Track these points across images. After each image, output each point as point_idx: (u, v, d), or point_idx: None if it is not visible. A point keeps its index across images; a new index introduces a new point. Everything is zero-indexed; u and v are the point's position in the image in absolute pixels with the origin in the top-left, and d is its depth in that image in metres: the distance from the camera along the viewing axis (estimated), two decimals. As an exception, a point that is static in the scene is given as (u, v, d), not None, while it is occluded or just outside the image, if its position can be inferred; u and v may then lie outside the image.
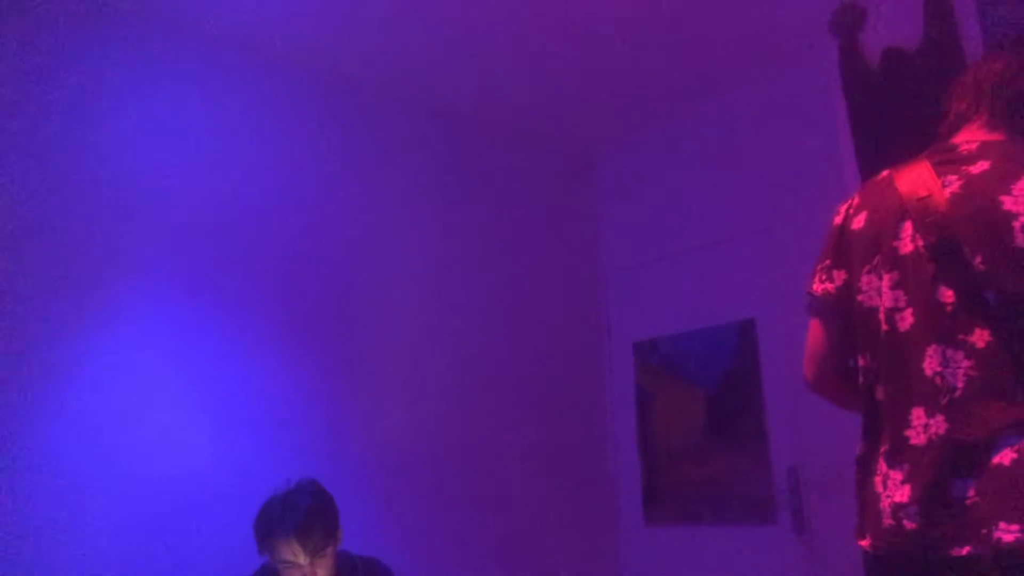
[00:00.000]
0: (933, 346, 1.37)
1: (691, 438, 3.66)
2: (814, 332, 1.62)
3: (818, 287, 1.59)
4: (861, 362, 1.50)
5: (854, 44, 2.76)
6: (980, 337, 1.33)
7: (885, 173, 1.57)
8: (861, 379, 1.51)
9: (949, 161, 1.47)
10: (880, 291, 1.46)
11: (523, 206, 3.93)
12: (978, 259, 1.35)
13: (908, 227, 1.45)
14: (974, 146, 1.47)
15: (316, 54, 3.25)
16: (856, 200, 1.59)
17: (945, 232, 1.39)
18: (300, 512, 2.01)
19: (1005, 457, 1.27)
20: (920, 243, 1.42)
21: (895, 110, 2.59)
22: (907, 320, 1.41)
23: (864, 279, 1.50)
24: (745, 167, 3.55)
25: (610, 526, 3.81)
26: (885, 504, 1.39)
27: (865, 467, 1.48)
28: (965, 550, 1.26)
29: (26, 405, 2.47)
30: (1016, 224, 1.32)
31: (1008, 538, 1.22)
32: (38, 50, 2.70)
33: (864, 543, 1.44)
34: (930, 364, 1.37)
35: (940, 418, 1.34)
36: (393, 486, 3.15)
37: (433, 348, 3.43)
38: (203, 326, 2.86)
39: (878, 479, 1.42)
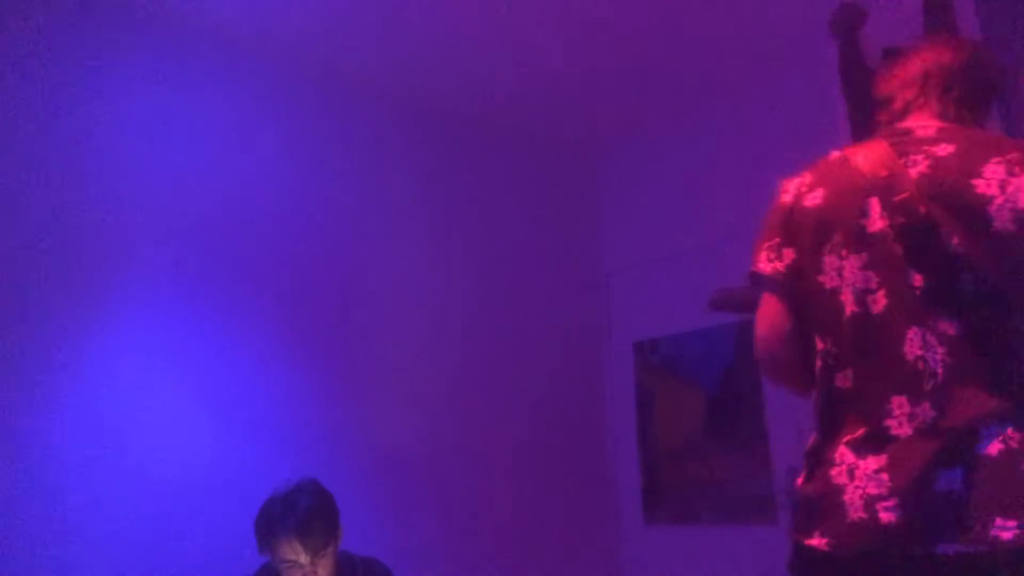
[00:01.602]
0: (913, 329, 1.30)
1: (691, 438, 3.66)
2: (770, 310, 1.49)
3: (766, 266, 1.48)
4: (820, 345, 1.40)
5: (854, 44, 2.77)
6: (952, 324, 1.27)
7: (836, 153, 1.51)
8: (819, 364, 1.40)
9: (907, 142, 1.41)
10: (842, 271, 1.37)
11: (523, 206, 3.93)
12: (955, 241, 1.29)
13: (875, 205, 1.37)
14: (931, 131, 1.42)
15: (316, 55, 3.25)
16: (808, 178, 1.50)
17: (915, 213, 1.32)
18: (301, 511, 2.01)
19: (992, 448, 1.20)
20: (887, 223, 1.35)
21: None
22: (880, 302, 1.33)
23: (826, 259, 1.40)
24: (745, 167, 3.55)
25: (610, 526, 3.81)
26: (852, 497, 1.27)
27: (817, 459, 1.36)
28: (953, 548, 1.17)
29: (26, 406, 2.47)
30: (992, 208, 1.28)
31: (1006, 536, 1.15)
32: (37, 51, 2.70)
33: (816, 542, 1.29)
34: (911, 348, 1.29)
35: (926, 405, 1.26)
36: (393, 486, 3.15)
37: (433, 348, 3.43)
38: (203, 326, 2.86)
39: (839, 470, 1.30)
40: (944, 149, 1.37)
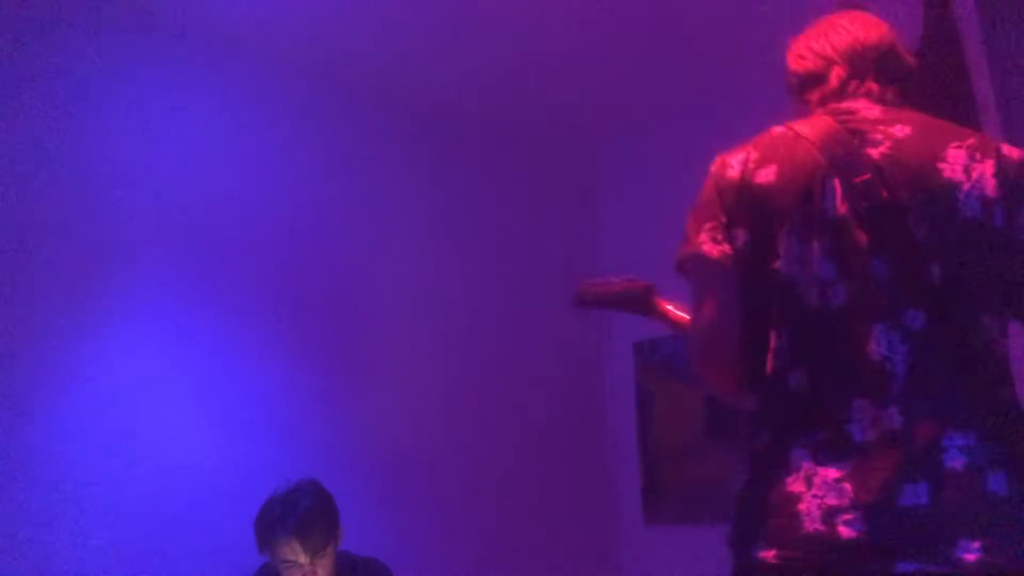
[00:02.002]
0: (878, 325, 1.17)
1: (691, 438, 3.66)
2: (717, 300, 1.29)
3: (711, 248, 1.28)
4: (774, 342, 1.24)
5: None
6: (916, 318, 1.17)
7: (781, 127, 1.35)
8: (772, 362, 1.24)
9: (856, 122, 1.29)
10: (802, 258, 1.22)
11: (522, 206, 3.93)
12: (923, 230, 1.19)
13: (837, 186, 1.23)
14: (877, 112, 1.31)
15: (315, 56, 3.25)
16: (753, 153, 1.33)
17: (879, 197, 1.21)
18: (300, 511, 2.02)
19: (957, 461, 1.11)
20: (848, 207, 1.22)
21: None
22: (841, 295, 1.20)
23: (783, 242, 1.23)
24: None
25: (610, 526, 3.81)
26: (810, 507, 1.14)
27: (768, 463, 1.21)
28: (913, 567, 1.07)
29: (25, 406, 2.48)
30: (961, 195, 1.20)
31: (970, 557, 1.06)
32: (35, 51, 2.70)
33: (763, 554, 1.15)
34: (876, 346, 1.17)
35: (893, 410, 1.14)
36: (392, 486, 3.15)
37: (432, 347, 3.43)
38: (203, 326, 2.86)
39: (794, 477, 1.16)
40: (901, 131, 1.27)
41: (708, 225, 1.31)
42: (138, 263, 2.77)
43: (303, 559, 2.00)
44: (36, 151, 2.64)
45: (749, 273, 1.27)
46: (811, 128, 1.31)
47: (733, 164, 1.34)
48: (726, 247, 1.29)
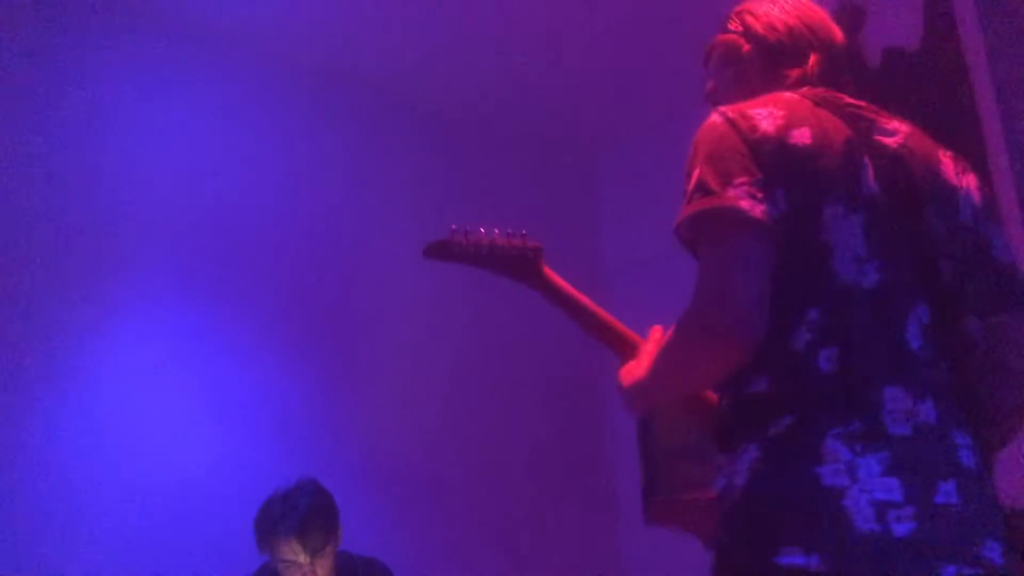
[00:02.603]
0: (910, 314, 1.12)
1: (691, 438, 3.65)
2: (737, 266, 1.10)
3: (750, 205, 1.09)
4: (810, 315, 1.11)
5: (854, 44, 2.76)
6: (927, 314, 1.14)
7: (789, 93, 1.25)
8: (801, 338, 1.11)
9: (856, 108, 1.25)
10: (844, 230, 1.13)
11: (523, 206, 3.92)
12: (936, 225, 1.18)
13: (869, 163, 1.17)
14: (866, 105, 1.27)
15: (315, 55, 3.25)
16: (777, 110, 1.18)
17: (901, 185, 1.18)
18: (300, 511, 2.02)
19: (969, 460, 1.08)
20: (879, 187, 1.16)
21: (895, 110, 2.59)
22: (872, 276, 1.12)
23: (827, 210, 1.13)
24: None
25: (610, 526, 3.81)
26: (858, 502, 1.01)
27: (791, 451, 1.07)
28: (952, 569, 1.01)
29: (26, 406, 2.48)
30: (959, 198, 1.21)
31: (996, 558, 1.04)
32: (36, 52, 2.70)
33: (800, 561, 0.99)
34: (910, 336, 1.11)
35: (929, 404, 1.08)
36: (393, 486, 3.14)
37: (432, 347, 3.43)
38: (203, 327, 2.86)
39: (832, 468, 1.03)
40: (903, 126, 1.25)
41: (740, 179, 1.11)
42: (138, 262, 2.77)
43: (303, 558, 2.00)
44: (36, 152, 2.64)
45: (782, 239, 1.12)
46: (823, 101, 1.23)
47: (761, 117, 1.17)
48: (766, 207, 1.10)
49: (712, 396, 1.39)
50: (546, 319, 3.78)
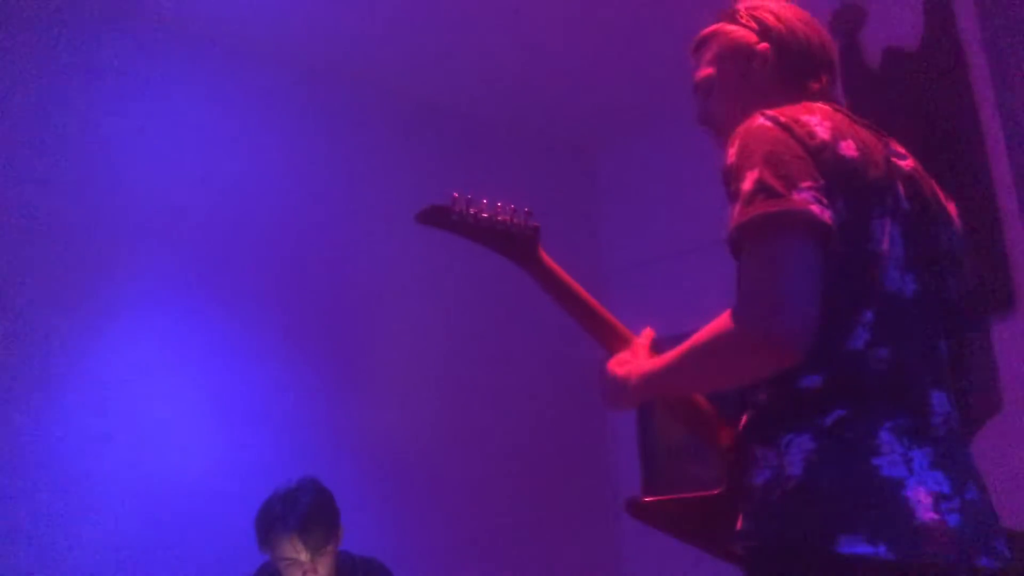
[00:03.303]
0: (941, 321, 1.21)
1: (691, 438, 3.66)
2: (802, 267, 1.08)
3: (820, 210, 1.09)
4: (865, 316, 1.14)
5: (854, 44, 2.77)
6: (942, 323, 1.24)
7: (823, 104, 1.26)
8: (858, 336, 1.14)
9: (876, 128, 1.29)
10: (890, 241, 1.16)
11: (523, 206, 3.92)
12: (944, 244, 1.24)
13: (899, 180, 1.22)
14: (867, 121, 1.30)
15: (315, 54, 3.25)
16: (824, 121, 1.19)
17: (920, 204, 1.22)
18: (301, 509, 2.01)
19: (974, 462, 1.19)
20: (908, 203, 1.21)
21: (895, 110, 2.59)
22: (910, 286, 1.17)
23: (875, 220, 1.16)
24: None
25: (610, 526, 3.81)
26: (918, 492, 1.05)
27: (845, 442, 1.09)
28: (984, 561, 1.07)
29: (26, 407, 2.48)
30: (952, 222, 1.29)
31: (1006, 551, 1.12)
32: (37, 52, 2.70)
33: (863, 549, 1.02)
34: (943, 344, 1.20)
35: (955, 410, 1.18)
36: (393, 485, 3.14)
37: (432, 347, 3.43)
38: (203, 326, 2.86)
39: (889, 460, 1.07)
40: (904, 150, 1.30)
41: (806, 183, 1.10)
42: (138, 262, 2.77)
43: (304, 557, 2.00)
44: (36, 151, 2.64)
45: (838, 245, 1.12)
46: (851, 116, 1.25)
47: (814, 124, 1.18)
48: (831, 212, 1.10)
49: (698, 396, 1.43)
50: (546, 319, 3.79)
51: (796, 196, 1.09)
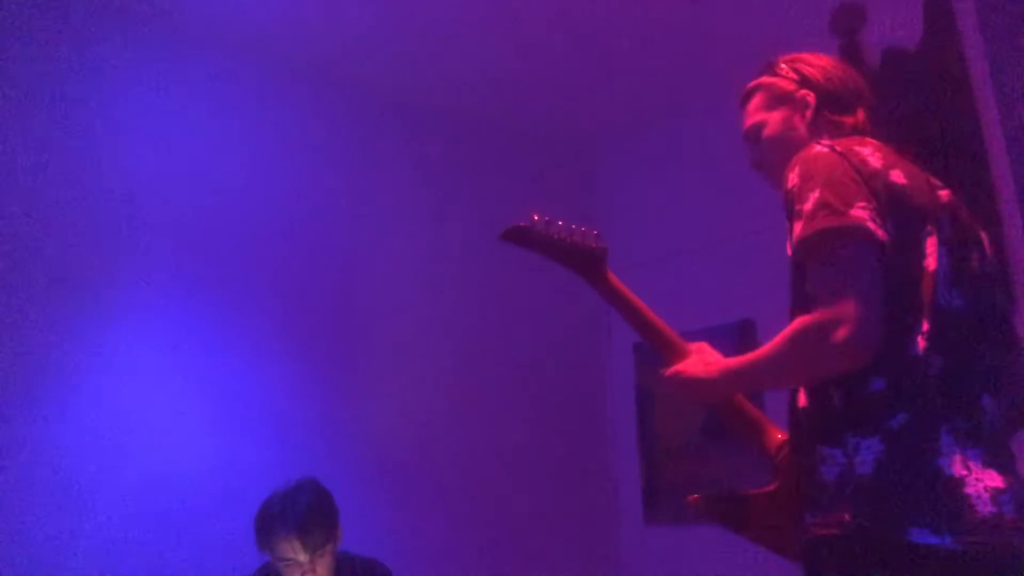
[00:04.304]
0: (988, 336, 1.33)
1: (691, 438, 3.66)
2: (867, 279, 1.24)
3: (876, 228, 1.25)
4: (924, 326, 1.27)
5: (854, 44, 2.77)
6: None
7: (871, 139, 1.43)
8: (918, 344, 1.26)
9: (911, 160, 1.44)
10: (939, 259, 1.31)
11: (523, 206, 3.91)
12: (982, 265, 1.37)
13: (942, 206, 1.37)
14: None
15: (314, 54, 3.25)
16: (875, 152, 1.37)
17: (960, 229, 1.37)
18: (300, 509, 2.01)
19: None
20: (951, 230, 1.36)
21: (895, 110, 2.59)
22: (958, 301, 1.31)
23: (927, 242, 1.30)
24: (745, 167, 3.54)
25: (610, 526, 3.81)
26: (977, 488, 1.17)
27: (910, 443, 1.22)
28: None
29: (26, 406, 2.48)
30: (984, 248, 1.42)
31: None
32: (37, 53, 2.70)
33: (931, 540, 1.15)
34: (989, 353, 1.32)
35: (1000, 413, 1.29)
36: (392, 486, 3.14)
37: (432, 348, 3.43)
38: (202, 326, 2.86)
39: (950, 460, 1.20)
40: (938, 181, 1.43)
41: (861, 204, 1.26)
42: (139, 262, 2.77)
43: (303, 557, 2.00)
44: (35, 151, 2.64)
45: (891, 261, 1.27)
46: (896, 150, 1.41)
47: (867, 154, 1.35)
48: (885, 231, 1.26)
49: (741, 399, 1.65)
50: (546, 320, 3.79)
51: (854, 213, 1.25)
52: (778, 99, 1.58)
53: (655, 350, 1.77)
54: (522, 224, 1.74)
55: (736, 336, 3.47)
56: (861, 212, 1.25)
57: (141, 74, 2.91)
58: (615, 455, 3.91)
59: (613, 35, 3.20)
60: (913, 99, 2.60)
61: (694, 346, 1.70)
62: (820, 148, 1.36)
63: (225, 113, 3.09)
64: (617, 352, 3.99)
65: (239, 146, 3.10)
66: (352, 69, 3.38)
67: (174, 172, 2.90)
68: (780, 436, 1.59)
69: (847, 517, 1.22)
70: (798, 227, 1.29)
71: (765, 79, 1.63)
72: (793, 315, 1.33)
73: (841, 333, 1.20)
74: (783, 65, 1.60)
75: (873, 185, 1.29)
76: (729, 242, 3.59)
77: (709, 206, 3.69)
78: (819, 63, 1.57)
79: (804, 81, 1.55)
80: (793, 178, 1.34)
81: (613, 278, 1.77)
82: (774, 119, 1.57)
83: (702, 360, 1.59)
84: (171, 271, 2.83)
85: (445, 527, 3.25)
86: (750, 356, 1.39)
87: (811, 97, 1.52)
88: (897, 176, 1.33)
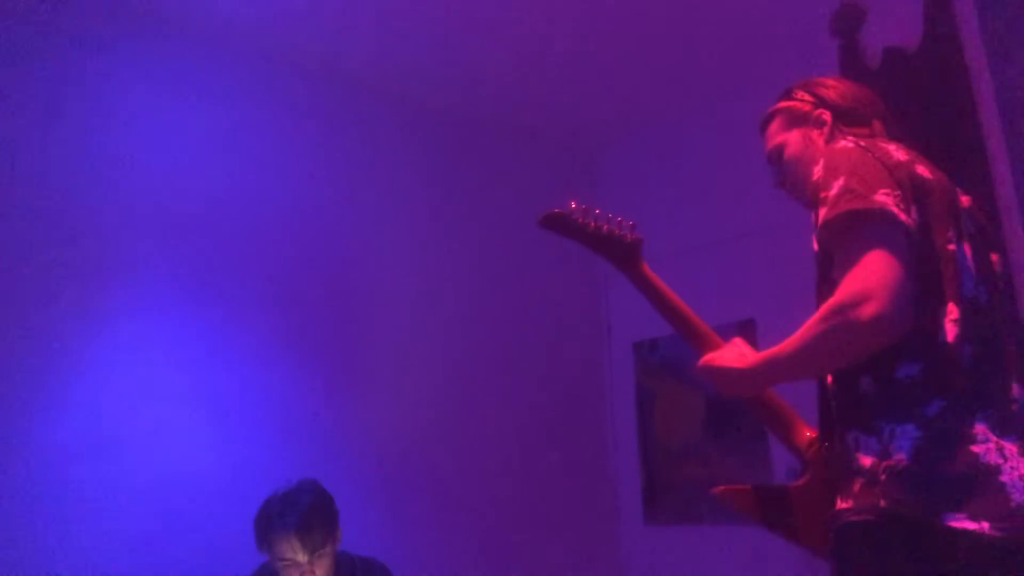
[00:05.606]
0: (1010, 331, 1.37)
1: (691, 438, 3.66)
2: (892, 260, 1.25)
3: (899, 212, 1.28)
4: (954, 313, 1.30)
5: (854, 44, 2.77)
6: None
7: (893, 142, 1.49)
8: (950, 331, 1.29)
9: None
10: (965, 251, 1.36)
11: (522, 205, 3.92)
12: (997, 265, 1.43)
13: (962, 206, 1.43)
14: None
15: (313, 54, 3.25)
16: (900, 148, 1.43)
17: (979, 230, 1.43)
18: (300, 510, 2.01)
19: None
20: (973, 228, 1.42)
21: (895, 110, 2.59)
22: (984, 296, 1.35)
23: (950, 232, 1.35)
24: (745, 167, 3.55)
25: (610, 526, 3.81)
26: (1012, 477, 1.20)
27: (945, 431, 1.25)
28: None
29: (27, 406, 2.48)
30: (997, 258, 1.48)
31: None
32: (39, 52, 2.70)
33: (967, 525, 1.17)
34: (1014, 346, 1.36)
35: None
36: (393, 486, 3.14)
37: (433, 348, 3.42)
38: (203, 327, 2.86)
39: (985, 448, 1.22)
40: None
41: (884, 190, 1.30)
42: (139, 263, 2.77)
43: (302, 557, 2.00)
44: (35, 151, 2.64)
45: (917, 247, 1.31)
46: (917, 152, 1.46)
47: (892, 149, 1.41)
48: (908, 216, 1.30)
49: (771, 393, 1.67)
50: (546, 319, 3.79)
51: (877, 197, 1.28)
52: (796, 120, 1.65)
53: (691, 344, 1.78)
54: (559, 211, 1.73)
55: (736, 336, 3.47)
56: (885, 197, 1.28)
57: (142, 75, 2.91)
58: (615, 455, 3.91)
59: (613, 35, 3.20)
60: (913, 99, 2.60)
61: (732, 341, 1.73)
62: (845, 143, 1.42)
63: (227, 114, 3.09)
64: (617, 352, 3.99)
65: (238, 147, 3.10)
66: (349, 69, 3.38)
67: (174, 172, 2.90)
68: (809, 433, 1.61)
69: (882, 503, 1.23)
70: (822, 212, 1.33)
71: (782, 104, 1.70)
72: (819, 304, 1.34)
73: (870, 308, 1.22)
74: (799, 91, 1.69)
75: (898, 175, 1.33)
76: (729, 242, 3.60)
77: (709, 206, 3.69)
78: (833, 84, 1.65)
79: (820, 102, 1.62)
80: (818, 171, 1.40)
81: (647, 269, 1.81)
82: (793, 138, 1.64)
83: (737, 351, 1.61)
84: (171, 272, 2.83)
85: (445, 527, 3.25)
86: (782, 345, 1.40)
87: (827, 115, 1.60)
88: (923, 170, 1.38)
